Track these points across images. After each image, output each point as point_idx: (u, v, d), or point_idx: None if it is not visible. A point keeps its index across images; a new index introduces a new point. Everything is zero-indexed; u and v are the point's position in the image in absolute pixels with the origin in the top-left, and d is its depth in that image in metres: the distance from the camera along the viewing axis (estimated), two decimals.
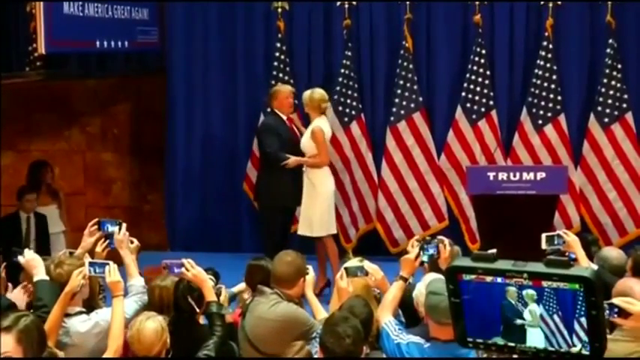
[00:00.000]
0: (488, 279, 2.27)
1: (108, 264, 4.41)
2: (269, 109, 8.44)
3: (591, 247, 5.53)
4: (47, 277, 4.42)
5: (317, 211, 7.90)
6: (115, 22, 8.51)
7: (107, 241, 4.88)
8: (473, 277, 2.29)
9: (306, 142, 7.98)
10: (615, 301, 3.53)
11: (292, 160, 7.95)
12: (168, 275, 4.79)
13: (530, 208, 6.91)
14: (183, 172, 9.67)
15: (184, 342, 4.34)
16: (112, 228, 4.88)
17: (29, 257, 4.54)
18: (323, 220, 7.93)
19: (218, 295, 4.79)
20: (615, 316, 3.52)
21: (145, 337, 4.00)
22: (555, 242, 5.15)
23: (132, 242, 5.03)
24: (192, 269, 4.52)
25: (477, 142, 8.82)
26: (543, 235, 5.19)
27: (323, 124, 8.01)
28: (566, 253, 5.03)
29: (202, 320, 4.69)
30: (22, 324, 3.34)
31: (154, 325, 4.03)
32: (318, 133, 7.90)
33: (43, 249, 7.21)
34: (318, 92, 8.07)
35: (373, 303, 4.55)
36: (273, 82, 9.04)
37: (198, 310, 4.56)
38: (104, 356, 4.11)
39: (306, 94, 8.09)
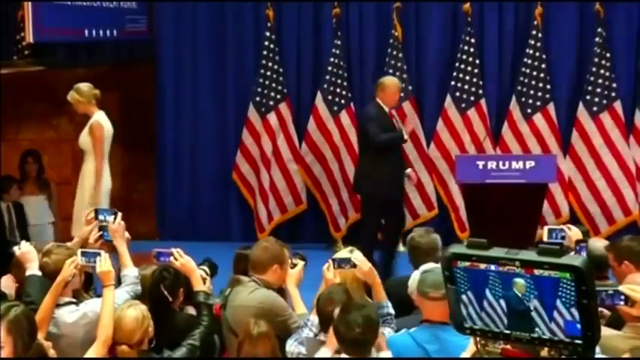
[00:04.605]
0: (482, 266, 2.29)
1: (99, 254, 4.39)
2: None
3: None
4: (39, 273, 4.39)
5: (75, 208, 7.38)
6: (103, 10, 8.49)
7: (100, 232, 4.77)
8: (467, 264, 2.31)
9: (84, 138, 7.29)
10: (621, 288, 3.55)
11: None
12: (152, 264, 4.75)
13: (519, 197, 6.93)
14: (173, 161, 9.65)
15: (162, 330, 4.30)
16: (108, 217, 4.81)
17: (25, 250, 4.49)
18: (76, 219, 7.23)
19: None
20: (622, 303, 3.54)
21: (126, 324, 4.00)
22: (554, 236, 5.10)
23: None
24: (181, 258, 4.50)
25: (467, 131, 8.83)
26: (545, 228, 5.15)
27: (103, 120, 7.33)
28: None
29: (192, 311, 4.67)
30: (12, 314, 3.34)
31: (134, 312, 4.03)
32: (97, 128, 7.19)
33: (24, 239, 7.15)
34: (84, 85, 7.35)
35: (361, 293, 4.53)
36: (262, 70, 9.05)
37: (170, 299, 4.50)
38: (94, 345, 4.10)
39: (72, 94, 7.28)
